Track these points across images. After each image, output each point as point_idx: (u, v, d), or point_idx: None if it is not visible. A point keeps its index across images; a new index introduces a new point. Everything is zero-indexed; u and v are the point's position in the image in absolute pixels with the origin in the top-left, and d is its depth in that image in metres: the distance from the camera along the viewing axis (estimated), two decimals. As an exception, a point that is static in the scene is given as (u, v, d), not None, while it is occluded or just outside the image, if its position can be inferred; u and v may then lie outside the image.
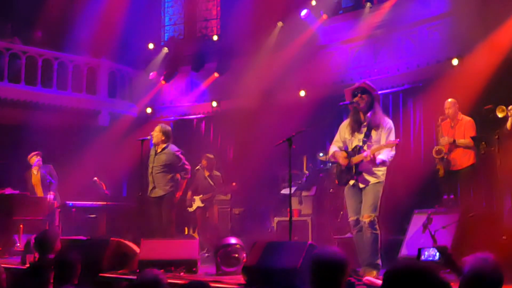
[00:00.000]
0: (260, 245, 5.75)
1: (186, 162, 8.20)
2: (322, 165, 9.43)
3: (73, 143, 11.61)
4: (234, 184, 9.91)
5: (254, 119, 11.27)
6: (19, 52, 12.23)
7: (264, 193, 10.22)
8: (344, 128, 6.05)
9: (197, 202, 9.89)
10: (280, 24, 11.97)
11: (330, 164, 8.54)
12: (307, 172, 9.11)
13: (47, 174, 9.96)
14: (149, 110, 13.45)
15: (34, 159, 10.05)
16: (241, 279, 5.54)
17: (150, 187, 7.97)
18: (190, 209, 9.96)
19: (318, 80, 11.18)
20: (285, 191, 8.59)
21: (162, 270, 6.20)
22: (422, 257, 5.86)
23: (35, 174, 10.06)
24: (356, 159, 5.79)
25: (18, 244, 9.05)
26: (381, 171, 5.79)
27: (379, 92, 10.39)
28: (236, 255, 6.35)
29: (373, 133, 5.81)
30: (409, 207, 7.72)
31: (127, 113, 13.43)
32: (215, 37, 13.33)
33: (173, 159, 8.02)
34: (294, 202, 8.48)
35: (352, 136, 5.93)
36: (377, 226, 5.71)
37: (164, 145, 8.04)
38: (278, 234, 8.45)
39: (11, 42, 12.32)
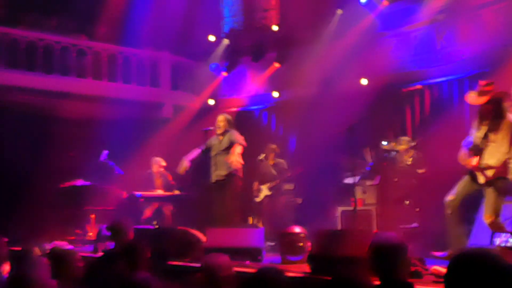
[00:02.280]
0: (325, 234, 5.78)
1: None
2: (386, 154, 9.31)
3: (138, 135, 11.88)
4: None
5: (315, 108, 11.23)
6: (85, 47, 12.61)
7: (326, 182, 10.19)
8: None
9: (265, 191, 9.93)
10: (339, 11, 11.83)
11: (394, 152, 8.45)
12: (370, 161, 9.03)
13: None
14: (211, 101, 13.58)
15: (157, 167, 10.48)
16: (306, 267, 5.59)
17: (212, 171, 8.14)
18: (258, 199, 10.02)
19: (379, 68, 10.99)
20: (348, 180, 8.56)
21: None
22: (495, 243, 5.71)
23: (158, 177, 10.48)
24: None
25: (90, 234, 9.42)
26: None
27: (443, 79, 10.19)
28: (301, 244, 6.40)
29: (491, 135, 5.59)
30: (477, 196, 7.55)
31: (189, 105, 13.64)
32: (274, 27, 13.33)
33: (233, 137, 8.15)
34: (358, 191, 8.44)
35: (476, 130, 5.77)
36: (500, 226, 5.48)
37: (227, 133, 8.22)
38: (342, 224, 8.44)
39: (77, 38, 12.70)
